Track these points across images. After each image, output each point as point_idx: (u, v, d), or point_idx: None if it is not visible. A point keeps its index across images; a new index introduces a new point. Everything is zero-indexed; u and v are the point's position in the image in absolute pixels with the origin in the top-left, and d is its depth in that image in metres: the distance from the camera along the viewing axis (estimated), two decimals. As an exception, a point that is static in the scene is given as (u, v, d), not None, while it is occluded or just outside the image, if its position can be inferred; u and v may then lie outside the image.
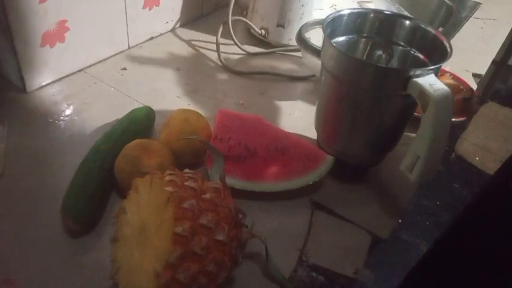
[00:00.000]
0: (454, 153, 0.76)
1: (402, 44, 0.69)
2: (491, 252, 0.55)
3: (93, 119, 0.75)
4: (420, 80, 0.55)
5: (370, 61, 0.69)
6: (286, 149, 0.67)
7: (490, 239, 0.56)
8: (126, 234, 0.49)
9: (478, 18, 1.28)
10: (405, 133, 0.67)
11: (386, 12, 0.70)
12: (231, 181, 0.62)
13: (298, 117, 0.82)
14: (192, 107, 0.80)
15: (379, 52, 0.70)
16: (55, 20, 0.77)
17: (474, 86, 0.93)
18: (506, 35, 0.86)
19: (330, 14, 0.65)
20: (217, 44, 0.95)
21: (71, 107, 0.78)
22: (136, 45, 0.96)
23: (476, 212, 0.60)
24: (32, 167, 0.66)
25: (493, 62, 0.88)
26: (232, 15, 0.95)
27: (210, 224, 0.46)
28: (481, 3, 1.34)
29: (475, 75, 1.00)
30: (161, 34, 1.02)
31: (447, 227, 0.63)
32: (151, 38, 1.00)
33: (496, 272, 0.54)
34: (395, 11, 0.99)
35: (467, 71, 1.01)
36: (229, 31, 0.95)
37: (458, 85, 0.90)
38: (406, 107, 0.62)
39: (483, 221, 0.58)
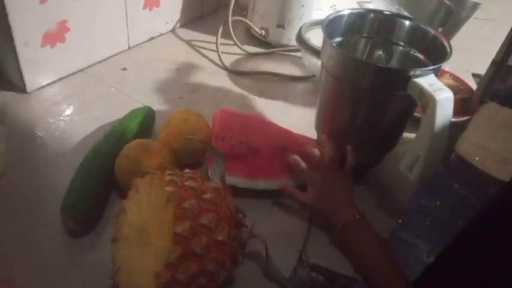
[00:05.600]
0: (454, 153, 0.76)
1: (402, 44, 0.69)
2: (503, 259, 0.54)
3: (93, 119, 0.75)
4: (420, 80, 0.55)
5: (370, 61, 0.69)
6: (288, 146, 0.68)
7: (502, 245, 0.55)
8: (126, 234, 0.49)
9: (477, 19, 1.28)
10: (405, 133, 0.67)
11: (386, 12, 0.71)
12: (233, 180, 0.62)
13: (298, 117, 0.82)
14: (192, 107, 0.80)
15: (379, 52, 0.71)
16: (55, 20, 0.77)
17: (474, 86, 0.93)
18: (506, 35, 0.86)
19: (330, 14, 0.65)
20: (217, 44, 0.95)
21: (71, 107, 0.78)
22: (136, 45, 0.96)
23: (489, 219, 0.59)
24: (32, 167, 0.66)
25: (493, 62, 0.88)
26: (232, 15, 0.95)
27: (210, 224, 0.46)
28: (480, 4, 1.34)
29: (475, 75, 1.00)
30: (161, 34, 1.02)
31: (458, 233, 0.62)
32: (151, 38, 1.00)
33: (506, 280, 0.53)
34: (395, 11, 1.00)
35: (467, 71, 1.01)
36: (229, 31, 0.95)
37: (457, 85, 0.90)
38: (406, 107, 0.62)
39: (496, 227, 0.57)
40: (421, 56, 0.67)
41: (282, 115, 0.82)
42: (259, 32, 1.00)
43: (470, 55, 1.08)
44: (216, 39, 0.95)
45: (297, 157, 0.64)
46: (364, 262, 0.55)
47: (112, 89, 0.83)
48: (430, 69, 0.57)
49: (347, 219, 0.56)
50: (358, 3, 1.07)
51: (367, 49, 0.71)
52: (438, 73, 0.60)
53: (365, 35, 0.71)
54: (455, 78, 0.93)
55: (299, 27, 0.88)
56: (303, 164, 0.63)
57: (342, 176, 0.62)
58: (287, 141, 0.68)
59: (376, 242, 0.56)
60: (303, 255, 0.58)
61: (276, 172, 0.65)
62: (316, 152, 0.64)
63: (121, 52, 0.93)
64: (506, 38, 0.86)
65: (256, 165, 0.65)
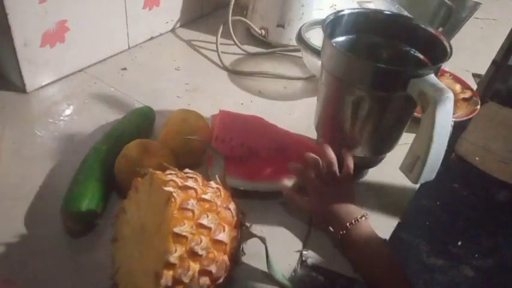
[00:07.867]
0: (454, 153, 0.76)
1: (402, 44, 0.69)
2: None
3: (93, 119, 0.75)
4: (420, 80, 0.55)
5: (370, 61, 0.69)
6: (288, 147, 0.67)
7: None
8: (126, 234, 0.49)
9: (478, 19, 1.28)
10: (405, 133, 0.67)
11: (386, 12, 0.70)
12: (234, 182, 0.62)
13: (298, 117, 0.82)
14: (192, 107, 0.80)
15: (379, 52, 0.70)
16: (55, 20, 0.77)
17: (474, 86, 0.93)
18: (506, 35, 0.86)
19: (330, 14, 0.65)
20: (217, 44, 0.95)
21: (71, 107, 0.78)
22: (136, 45, 0.96)
23: None
24: (31, 167, 0.66)
25: (493, 62, 0.88)
26: (232, 15, 0.95)
27: (210, 224, 0.46)
28: (481, 4, 1.34)
29: (475, 75, 1.00)
30: (161, 34, 1.02)
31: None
32: (151, 38, 1.00)
33: None
34: (395, 11, 1.00)
35: (467, 71, 1.01)
36: (229, 31, 0.95)
37: (458, 85, 0.90)
38: (406, 107, 0.62)
39: None
40: (421, 56, 0.66)
41: (281, 115, 0.82)
42: (259, 32, 1.00)
43: (470, 55, 1.08)
44: (216, 39, 0.95)
45: (297, 165, 0.63)
46: (366, 265, 0.55)
47: (112, 89, 0.83)
48: (430, 69, 0.57)
49: (349, 224, 0.56)
50: (358, 3, 1.07)
51: (367, 49, 0.71)
52: (438, 73, 0.60)
53: (365, 35, 0.70)
54: (455, 78, 0.93)
55: (299, 27, 0.88)
56: (304, 172, 0.63)
57: (342, 181, 0.62)
58: (287, 143, 0.68)
59: (377, 245, 0.55)
60: (303, 255, 0.58)
61: (276, 173, 0.65)
62: (316, 159, 0.63)
63: (121, 52, 0.93)
64: (507, 38, 0.86)
65: (257, 167, 0.65)
